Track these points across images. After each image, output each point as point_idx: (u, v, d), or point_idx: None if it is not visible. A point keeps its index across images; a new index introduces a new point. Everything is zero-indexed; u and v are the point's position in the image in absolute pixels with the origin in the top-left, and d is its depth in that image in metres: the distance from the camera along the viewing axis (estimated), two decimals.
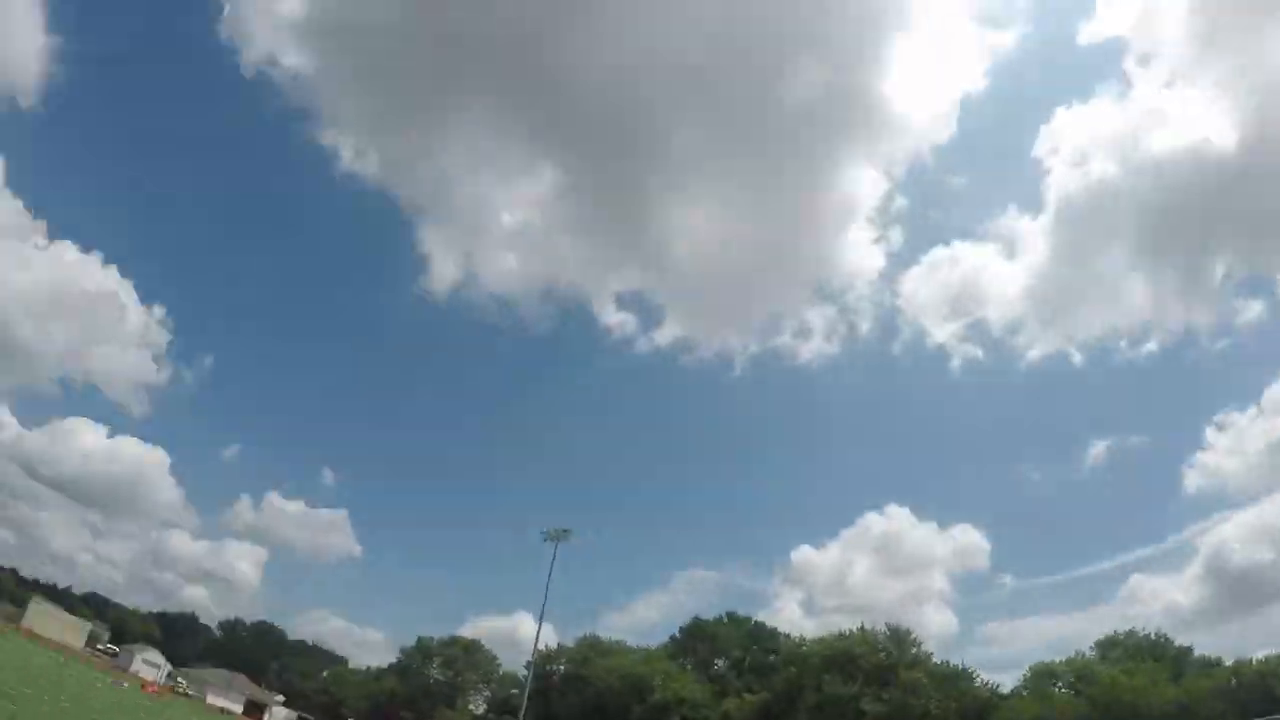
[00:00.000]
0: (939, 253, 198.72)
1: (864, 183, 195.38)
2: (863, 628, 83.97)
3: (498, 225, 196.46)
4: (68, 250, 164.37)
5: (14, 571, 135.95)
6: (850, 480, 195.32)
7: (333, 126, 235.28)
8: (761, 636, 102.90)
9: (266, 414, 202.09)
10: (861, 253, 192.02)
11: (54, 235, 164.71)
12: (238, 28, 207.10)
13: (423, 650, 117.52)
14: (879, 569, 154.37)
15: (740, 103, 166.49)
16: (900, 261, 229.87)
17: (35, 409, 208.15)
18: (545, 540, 75.29)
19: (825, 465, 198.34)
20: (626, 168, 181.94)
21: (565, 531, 75.03)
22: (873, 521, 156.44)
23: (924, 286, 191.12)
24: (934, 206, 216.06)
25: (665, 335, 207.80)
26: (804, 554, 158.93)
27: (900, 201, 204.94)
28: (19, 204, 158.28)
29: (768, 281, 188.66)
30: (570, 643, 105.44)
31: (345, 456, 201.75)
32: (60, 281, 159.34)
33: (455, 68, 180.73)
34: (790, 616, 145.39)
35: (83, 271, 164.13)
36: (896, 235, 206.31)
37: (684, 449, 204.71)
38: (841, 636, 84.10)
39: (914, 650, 79.70)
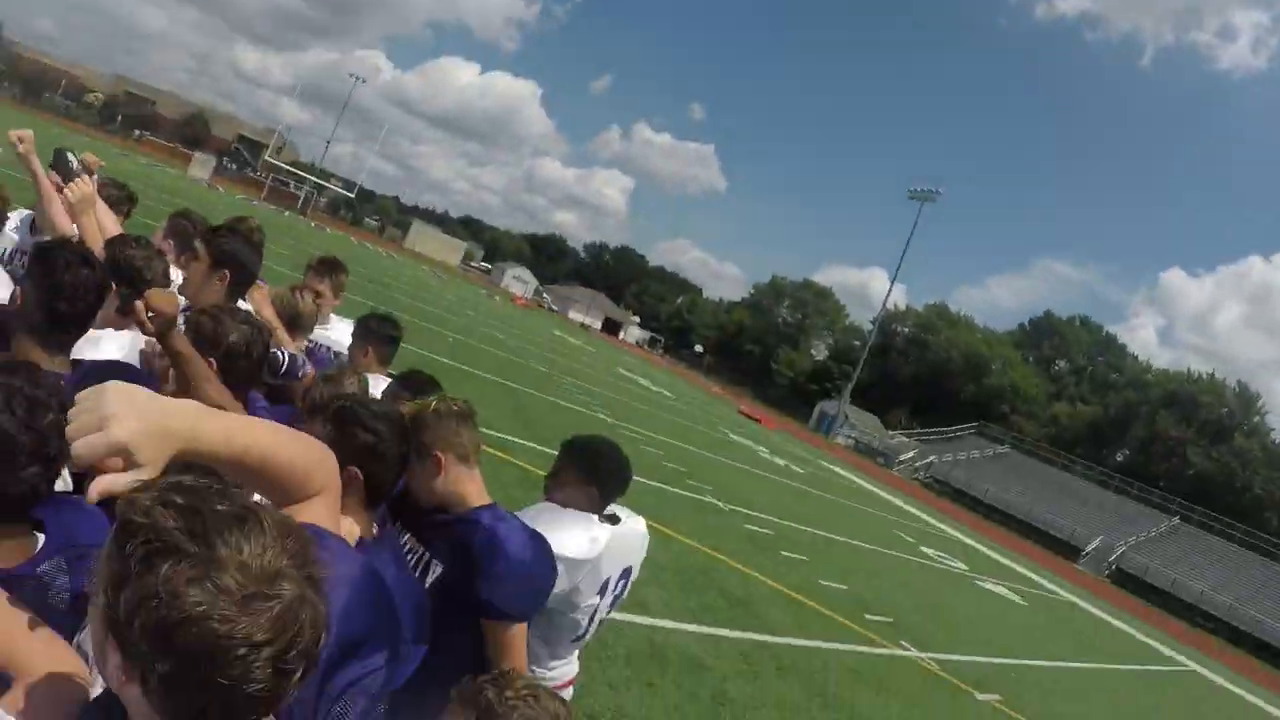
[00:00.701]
0: None
1: None
2: (1213, 376, 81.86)
3: None
4: None
5: (396, 199, 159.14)
6: (1245, 214, 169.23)
7: None
8: (1110, 350, 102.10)
9: (636, 46, 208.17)
10: None
11: None
12: None
13: (775, 289, 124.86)
14: (1250, 320, 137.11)
15: None
16: None
17: (409, 52, 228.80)
18: (910, 198, 75.40)
19: (1222, 190, 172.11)
20: None
21: (933, 192, 74.36)
22: (1257, 266, 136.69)
23: None
24: None
25: (1070, 4, 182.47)
26: (1175, 277, 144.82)
27: None
28: None
29: None
30: (919, 307, 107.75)
31: (715, 91, 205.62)
32: None
33: None
34: (1144, 339, 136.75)
35: None
36: None
37: (1074, 132, 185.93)
38: (1189, 379, 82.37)
39: (1257, 418, 76.04)
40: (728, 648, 8.79)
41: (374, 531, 2.44)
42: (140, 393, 1.29)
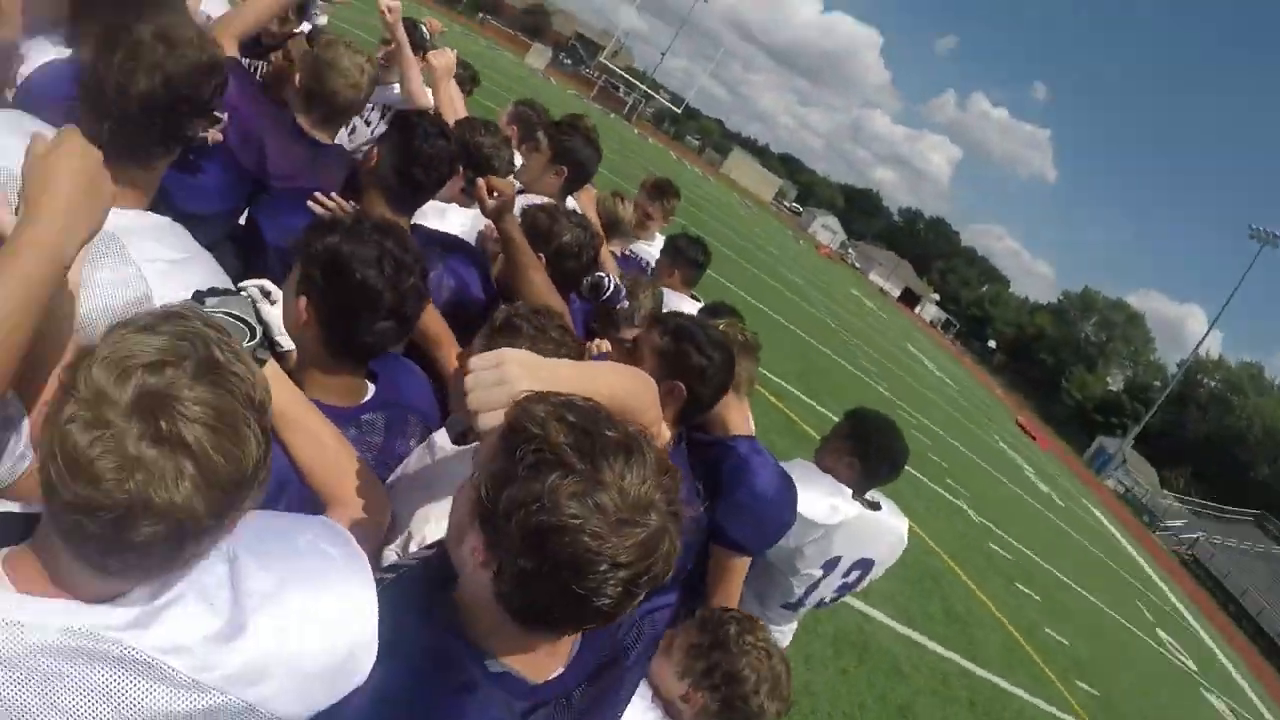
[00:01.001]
0: None
1: None
2: None
3: None
4: None
5: (720, 123, 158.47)
6: None
7: None
8: None
9: (989, 11, 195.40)
10: None
11: None
12: None
13: (1085, 302, 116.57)
14: None
15: None
16: None
17: None
18: (1250, 237, 66.84)
19: None
20: None
21: (1276, 236, 65.42)
22: None
23: None
24: None
25: None
26: None
27: None
28: None
29: None
30: (1232, 362, 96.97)
31: (1063, 74, 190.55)
32: None
33: None
34: None
35: None
36: None
37: None
38: None
39: None
40: (931, 662, 8.64)
41: (673, 446, 2.50)
42: (533, 362, 1.40)
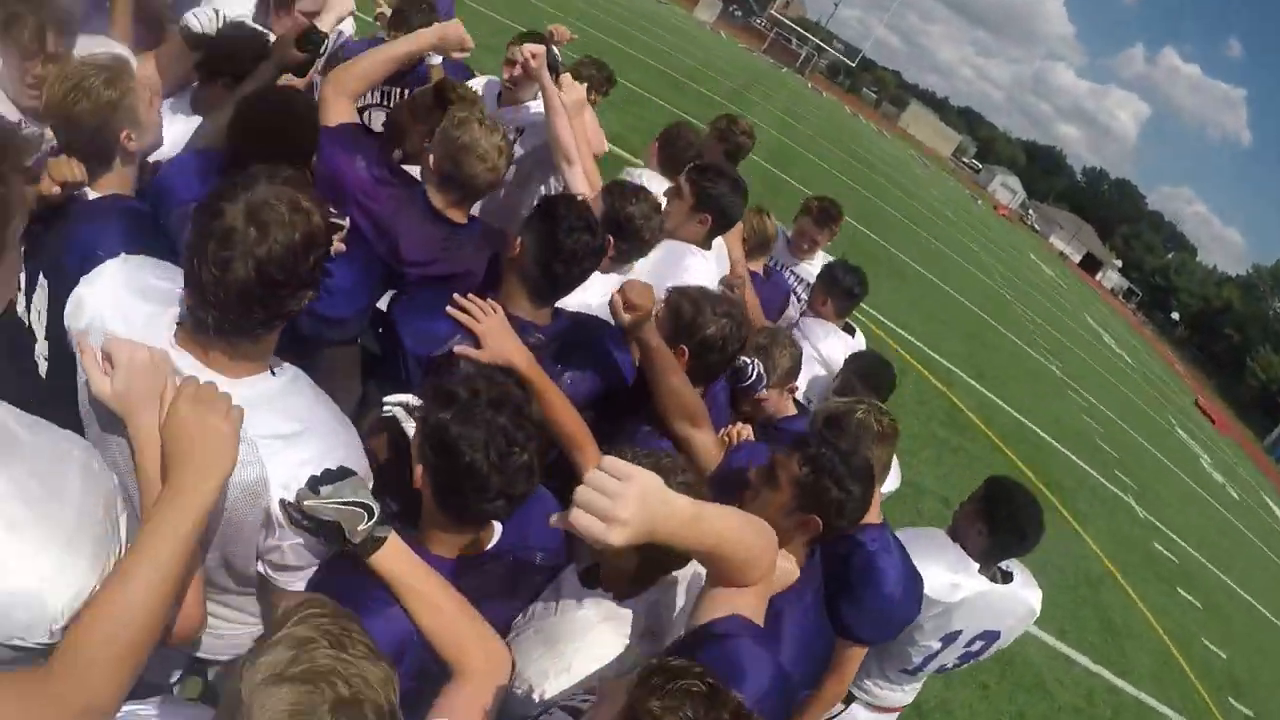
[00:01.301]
0: None
1: None
2: None
3: None
4: None
5: (898, 74, 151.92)
6: None
7: None
8: None
9: None
10: None
11: None
12: None
13: (1277, 277, 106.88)
14: None
15: None
16: None
17: None
18: None
19: None
20: None
21: None
22: None
23: None
24: None
25: None
26: None
27: None
28: None
29: None
30: None
31: (1262, 30, 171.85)
32: None
33: None
34: None
35: None
36: None
37: None
38: None
39: None
40: (1077, 677, 8.28)
41: (804, 562, 2.42)
42: (655, 495, 1.45)
